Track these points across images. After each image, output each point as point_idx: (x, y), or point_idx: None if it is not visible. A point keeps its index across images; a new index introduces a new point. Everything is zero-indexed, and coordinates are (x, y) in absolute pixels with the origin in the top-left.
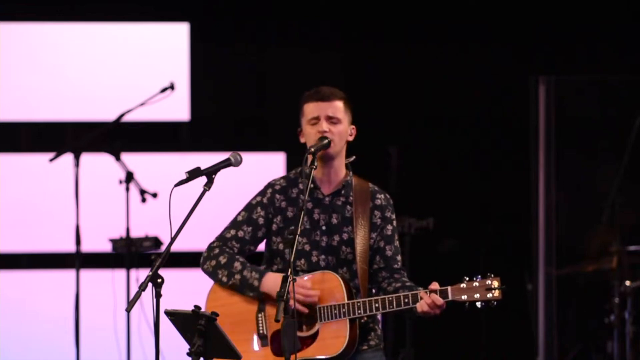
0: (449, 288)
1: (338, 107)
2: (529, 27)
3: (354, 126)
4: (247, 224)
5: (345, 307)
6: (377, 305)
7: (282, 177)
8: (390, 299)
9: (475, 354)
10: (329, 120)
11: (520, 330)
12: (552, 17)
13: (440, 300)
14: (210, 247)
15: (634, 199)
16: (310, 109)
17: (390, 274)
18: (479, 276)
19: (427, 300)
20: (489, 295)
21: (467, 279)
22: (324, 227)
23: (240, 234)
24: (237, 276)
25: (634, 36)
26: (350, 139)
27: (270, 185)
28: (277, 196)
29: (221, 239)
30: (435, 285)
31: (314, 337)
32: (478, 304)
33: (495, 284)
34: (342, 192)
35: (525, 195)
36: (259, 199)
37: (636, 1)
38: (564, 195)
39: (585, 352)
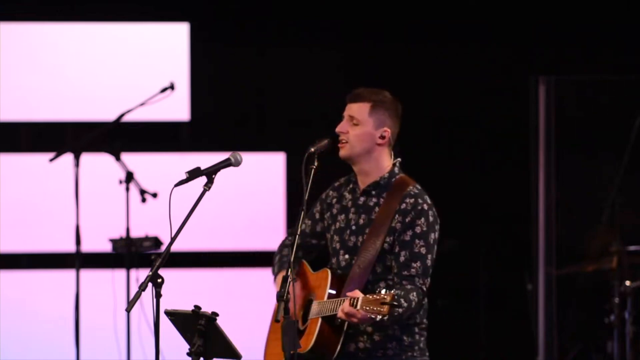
0: (360, 298)
1: (361, 109)
2: (529, 27)
3: (386, 128)
4: (309, 217)
5: (318, 306)
6: (332, 306)
7: (348, 176)
8: (338, 301)
9: (475, 354)
10: (350, 121)
11: (520, 330)
12: (552, 17)
13: (347, 308)
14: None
15: (634, 199)
16: (345, 108)
17: (399, 280)
18: (383, 290)
19: (342, 306)
20: (381, 309)
21: (378, 290)
22: (353, 227)
23: (303, 226)
24: (272, 269)
25: (634, 36)
26: (380, 141)
27: (335, 182)
28: (331, 193)
29: (291, 231)
30: (354, 293)
31: (303, 332)
32: (377, 317)
33: (387, 299)
34: (373, 192)
35: (525, 195)
36: (322, 194)
37: (636, 1)
38: (564, 195)
39: (585, 352)
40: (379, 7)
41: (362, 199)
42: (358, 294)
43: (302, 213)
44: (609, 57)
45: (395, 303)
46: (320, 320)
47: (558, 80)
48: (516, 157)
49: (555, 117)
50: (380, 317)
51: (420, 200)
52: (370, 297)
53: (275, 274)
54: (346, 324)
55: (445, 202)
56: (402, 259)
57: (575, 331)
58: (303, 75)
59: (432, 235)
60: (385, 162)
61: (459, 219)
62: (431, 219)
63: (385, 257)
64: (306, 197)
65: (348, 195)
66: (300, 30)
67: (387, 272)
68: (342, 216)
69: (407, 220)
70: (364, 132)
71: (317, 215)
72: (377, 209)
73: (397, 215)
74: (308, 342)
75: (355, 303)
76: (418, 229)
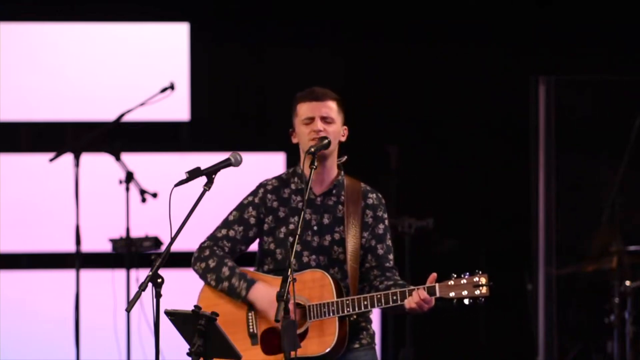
0: (437, 285)
1: (332, 107)
2: (529, 27)
3: (346, 127)
4: (238, 223)
5: (334, 305)
6: (365, 302)
7: (275, 178)
8: (379, 296)
9: (475, 354)
10: (323, 120)
11: (520, 330)
12: (552, 17)
13: (427, 297)
14: (201, 248)
15: (634, 199)
16: (304, 109)
17: (381, 272)
18: (467, 273)
19: (414, 297)
20: (477, 292)
21: (455, 276)
22: (315, 227)
23: (232, 233)
24: (225, 283)
25: (634, 36)
26: (343, 139)
27: (262, 185)
28: (269, 196)
29: (212, 238)
30: (433, 277)
31: (303, 335)
32: (466, 301)
33: (483, 280)
34: (334, 191)
35: (525, 195)
36: (250, 198)
37: (636, 1)
38: (564, 195)
39: (585, 352)
40: (379, 7)
41: (319, 199)
42: (434, 276)
43: (302, 214)
44: (609, 57)
45: (492, 283)
46: (337, 320)
47: (558, 80)
48: (516, 157)
49: (555, 117)
50: (470, 300)
51: (380, 195)
52: (452, 282)
53: (245, 292)
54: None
55: (445, 202)
56: (380, 251)
57: (575, 331)
58: (303, 75)
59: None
60: (336, 159)
61: (459, 219)
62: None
63: (358, 253)
64: (307, 198)
65: (295, 197)
66: (300, 30)
67: (360, 266)
68: (295, 218)
69: (378, 214)
70: (337, 129)
71: (253, 221)
72: (340, 207)
73: (367, 211)
74: (326, 343)
75: (433, 291)
76: (387, 222)
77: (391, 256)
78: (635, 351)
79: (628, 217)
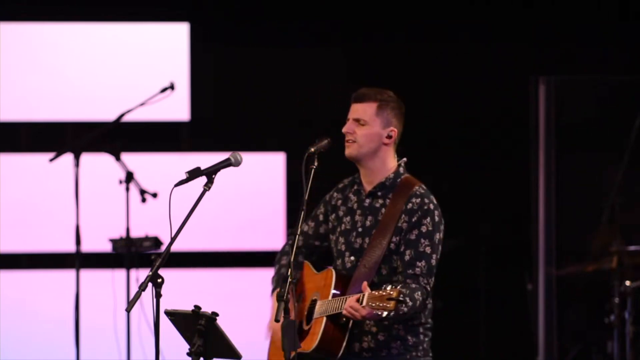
0: (366, 294)
1: (367, 109)
2: (529, 27)
3: (393, 129)
4: (312, 219)
5: (322, 305)
6: (336, 305)
7: (351, 177)
8: (342, 299)
9: (475, 354)
10: (356, 122)
11: (520, 330)
12: (552, 17)
13: (354, 305)
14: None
15: (634, 199)
16: (350, 109)
17: (404, 278)
18: (389, 286)
19: (346, 303)
20: (387, 305)
21: (384, 287)
22: (360, 229)
23: (305, 228)
24: (273, 279)
25: (634, 36)
26: (387, 141)
27: (338, 183)
28: (336, 194)
29: (292, 232)
30: (364, 288)
31: (307, 332)
32: (382, 313)
33: (394, 294)
34: (379, 193)
35: (525, 195)
36: (325, 196)
37: (636, 1)
38: (564, 195)
39: (585, 352)
40: (379, 7)
41: (367, 200)
42: (367, 290)
43: (302, 213)
44: (609, 57)
45: (401, 299)
46: (324, 319)
47: (558, 80)
48: (516, 157)
49: (555, 117)
50: (386, 313)
51: (426, 200)
52: (377, 293)
53: (273, 289)
54: (351, 322)
55: (445, 202)
56: (407, 257)
57: (575, 331)
58: (303, 75)
59: (437, 235)
60: (391, 162)
61: (459, 219)
62: (437, 219)
63: (391, 258)
64: (306, 198)
65: (353, 197)
66: (300, 30)
67: (392, 273)
68: (348, 218)
69: (413, 219)
70: (371, 132)
71: (321, 217)
72: (383, 210)
73: (403, 215)
74: (312, 341)
75: (361, 299)
76: (424, 228)
77: (421, 263)
78: (635, 351)
79: (628, 217)
